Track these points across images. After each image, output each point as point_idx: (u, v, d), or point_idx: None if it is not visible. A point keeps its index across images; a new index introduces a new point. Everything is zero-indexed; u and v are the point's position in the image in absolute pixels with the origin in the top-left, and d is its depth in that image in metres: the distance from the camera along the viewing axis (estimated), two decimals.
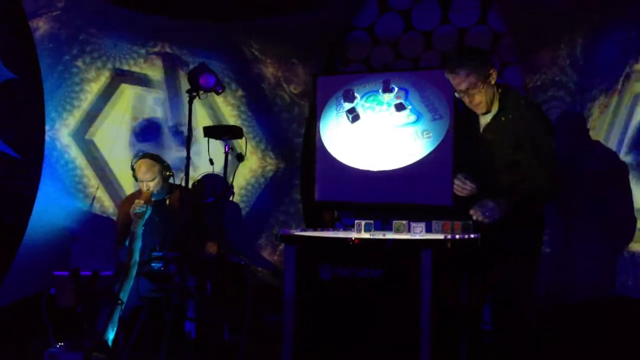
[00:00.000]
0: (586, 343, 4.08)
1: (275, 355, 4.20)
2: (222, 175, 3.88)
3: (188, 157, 3.62)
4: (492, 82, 3.29)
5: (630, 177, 4.08)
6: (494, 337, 3.47)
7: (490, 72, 3.26)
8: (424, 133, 5.07)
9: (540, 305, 4.40)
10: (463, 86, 3.26)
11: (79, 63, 5.18)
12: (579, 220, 4.48)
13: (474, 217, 3.20)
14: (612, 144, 4.21)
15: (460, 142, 3.69)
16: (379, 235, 3.19)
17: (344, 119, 5.38)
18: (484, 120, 3.40)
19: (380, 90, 5.26)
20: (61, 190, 5.18)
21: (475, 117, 3.43)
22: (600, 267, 4.29)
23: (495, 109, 3.36)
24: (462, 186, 3.29)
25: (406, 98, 5.15)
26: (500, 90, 3.37)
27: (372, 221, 3.47)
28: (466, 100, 3.32)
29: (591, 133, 4.36)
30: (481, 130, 3.40)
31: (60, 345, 3.43)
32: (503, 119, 3.32)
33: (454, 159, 4.57)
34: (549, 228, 4.73)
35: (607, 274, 4.23)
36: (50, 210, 5.09)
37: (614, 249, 4.22)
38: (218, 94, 3.71)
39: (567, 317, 4.29)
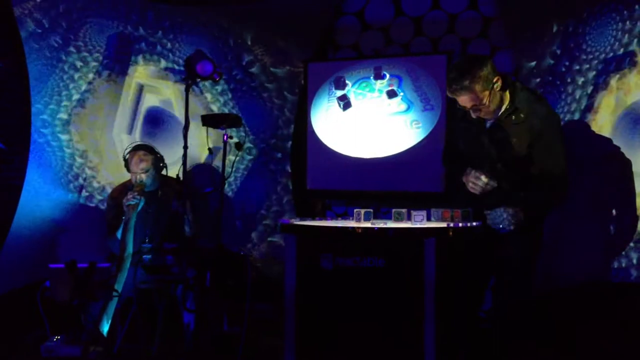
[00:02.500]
0: (581, 327, 4.11)
1: (269, 344, 4.20)
2: (211, 165, 3.84)
3: (185, 147, 3.55)
4: (497, 88, 3.21)
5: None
6: (490, 323, 3.49)
7: (494, 81, 3.19)
8: (414, 123, 5.08)
9: (536, 290, 4.44)
10: (468, 104, 3.22)
11: (65, 50, 5.09)
12: (572, 205, 4.50)
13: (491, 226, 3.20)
14: (622, 129, 4.20)
15: (454, 136, 3.61)
16: (380, 224, 3.17)
17: (335, 106, 5.35)
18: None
19: (371, 77, 5.24)
20: (48, 180, 5.09)
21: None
22: (595, 252, 4.32)
23: (504, 106, 3.29)
24: (476, 182, 3.22)
25: (399, 85, 5.13)
26: (509, 88, 3.28)
27: (371, 210, 3.45)
28: (473, 115, 3.26)
29: (597, 117, 4.34)
30: (488, 126, 3.35)
31: (57, 339, 3.36)
32: (514, 117, 3.26)
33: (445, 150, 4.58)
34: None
35: (602, 258, 4.26)
36: (37, 200, 5.02)
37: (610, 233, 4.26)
38: (216, 82, 3.65)
39: (562, 302, 4.32)
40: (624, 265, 4.14)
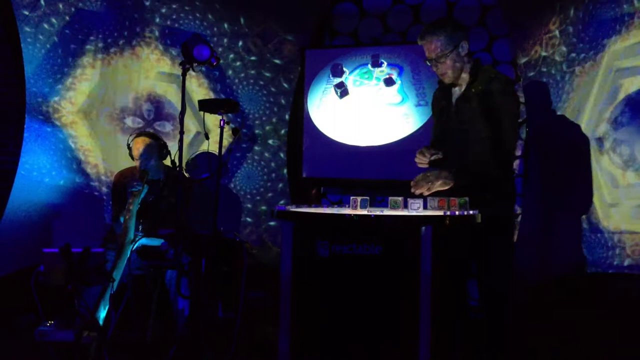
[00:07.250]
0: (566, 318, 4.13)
1: (264, 331, 4.21)
2: (215, 153, 3.81)
3: (182, 132, 3.52)
4: (462, 54, 3.38)
5: (608, 151, 4.11)
6: (481, 313, 3.51)
7: (461, 43, 3.36)
8: (404, 116, 5.07)
9: (524, 283, 4.46)
10: (432, 54, 3.37)
11: (61, 31, 5.03)
12: (557, 196, 4.51)
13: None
14: (594, 120, 4.20)
15: (434, 117, 3.75)
16: (377, 211, 3.15)
17: (332, 93, 5.32)
18: (457, 93, 3.49)
19: (369, 65, 5.21)
20: (42, 164, 5.06)
21: (449, 93, 3.52)
22: (574, 244, 4.34)
23: (466, 81, 3.43)
24: (422, 158, 3.40)
25: (399, 75, 5.11)
26: (473, 64, 3.45)
27: (368, 197, 3.43)
28: (434, 68, 3.43)
29: (573, 105, 4.33)
30: (453, 102, 3.49)
31: (51, 324, 3.33)
32: (473, 90, 3.40)
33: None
34: (526, 205, 4.81)
35: (580, 250, 4.29)
36: (31, 185, 4.99)
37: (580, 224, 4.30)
38: (213, 66, 3.60)
39: (548, 294, 4.34)
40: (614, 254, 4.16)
